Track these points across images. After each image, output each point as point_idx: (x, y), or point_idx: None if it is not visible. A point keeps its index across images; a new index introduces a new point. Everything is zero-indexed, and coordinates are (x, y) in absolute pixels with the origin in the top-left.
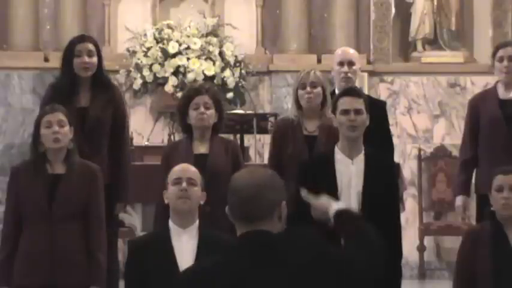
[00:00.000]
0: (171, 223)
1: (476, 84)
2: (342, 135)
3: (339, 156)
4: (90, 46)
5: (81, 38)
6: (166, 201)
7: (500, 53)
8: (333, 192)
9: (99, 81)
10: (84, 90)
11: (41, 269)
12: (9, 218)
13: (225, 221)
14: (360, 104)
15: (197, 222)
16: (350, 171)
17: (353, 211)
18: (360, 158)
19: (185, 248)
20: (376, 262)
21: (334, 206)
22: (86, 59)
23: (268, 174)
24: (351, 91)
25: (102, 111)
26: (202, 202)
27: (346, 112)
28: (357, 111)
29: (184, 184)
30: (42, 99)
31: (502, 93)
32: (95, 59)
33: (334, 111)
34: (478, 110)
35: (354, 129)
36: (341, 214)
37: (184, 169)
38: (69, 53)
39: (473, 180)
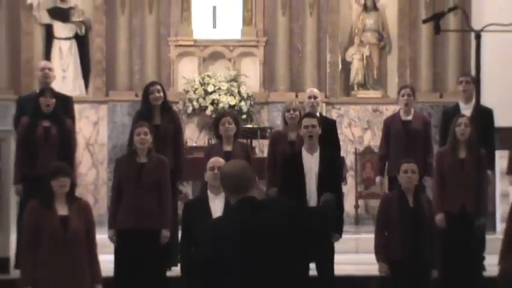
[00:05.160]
0: (208, 192)
1: (389, 110)
2: (305, 141)
3: (304, 153)
4: (158, 87)
5: (153, 83)
6: (205, 179)
7: (402, 92)
8: (301, 174)
9: (165, 108)
10: (156, 113)
11: (133, 217)
12: (115, 188)
13: None
14: (314, 122)
15: None
16: (311, 161)
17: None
18: (317, 154)
19: (217, 207)
20: (325, 229)
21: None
22: (156, 94)
23: (243, 164)
24: (309, 114)
25: (167, 127)
26: None
27: (306, 127)
28: (313, 126)
29: (216, 170)
30: (132, 119)
31: (403, 116)
32: (162, 94)
33: (300, 126)
34: (389, 126)
35: (311, 137)
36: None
37: (216, 161)
38: (147, 91)
39: (386, 167)
